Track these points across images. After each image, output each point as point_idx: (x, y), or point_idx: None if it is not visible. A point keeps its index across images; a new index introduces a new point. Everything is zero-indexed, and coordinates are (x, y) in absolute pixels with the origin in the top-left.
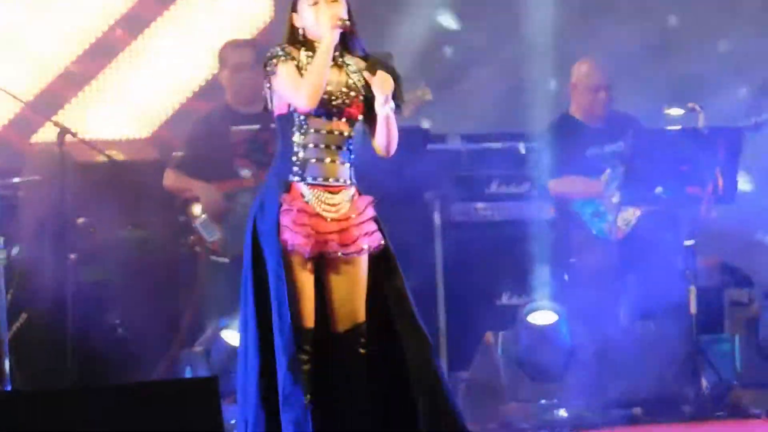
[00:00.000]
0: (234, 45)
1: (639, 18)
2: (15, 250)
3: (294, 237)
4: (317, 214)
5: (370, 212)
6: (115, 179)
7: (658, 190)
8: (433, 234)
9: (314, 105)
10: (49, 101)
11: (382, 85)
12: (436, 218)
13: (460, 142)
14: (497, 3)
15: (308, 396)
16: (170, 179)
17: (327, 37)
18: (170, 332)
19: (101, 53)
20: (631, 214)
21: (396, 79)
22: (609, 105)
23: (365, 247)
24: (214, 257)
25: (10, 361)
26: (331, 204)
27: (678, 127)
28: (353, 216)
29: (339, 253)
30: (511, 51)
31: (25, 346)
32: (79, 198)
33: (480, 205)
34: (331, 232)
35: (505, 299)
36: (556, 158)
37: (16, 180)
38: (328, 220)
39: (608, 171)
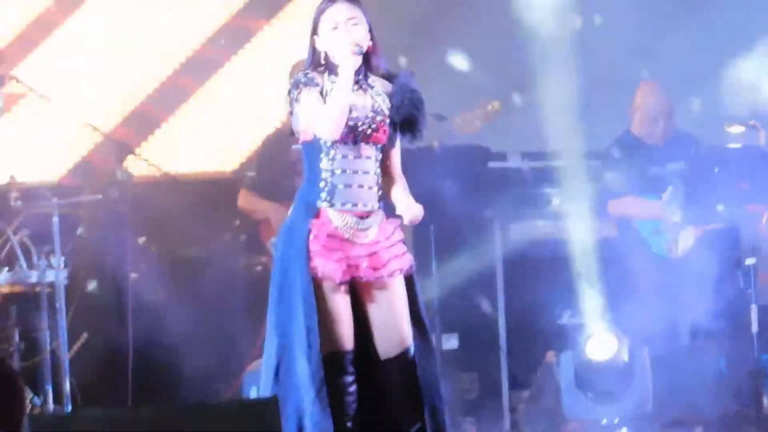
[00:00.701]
0: (298, 64)
1: (702, 34)
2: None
3: (325, 263)
4: (346, 239)
5: (399, 235)
6: (176, 198)
7: (719, 208)
8: (494, 252)
9: (338, 135)
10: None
11: (412, 219)
12: (497, 236)
13: (521, 159)
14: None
15: (349, 418)
16: (243, 199)
17: (346, 66)
18: (232, 351)
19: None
20: (691, 233)
21: (419, 102)
22: (668, 131)
23: (397, 269)
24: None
25: (70, 381)
26: (360, 229)
27: (739, 145)
28: (382, 240)
29: (371, 277)
30: (573, 68)
31: (85, 366)
32: (139, 217)
33: (541, 223)
34: (361, 257)
35: (566, 318)
36: (616, 177)
37: (78, 199)
38: (358, 244)
39: (669, 189)
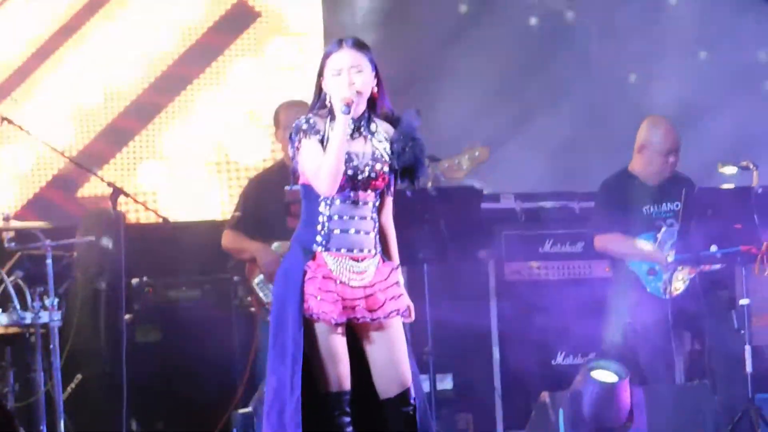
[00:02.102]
0: (287, 105)
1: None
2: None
3: (319, 305)
4: (342, 282)
5: (395, 277)
6: (169, 239)
7: (713, 248)
8: (488, 293)
9: (333, 192)
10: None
11: None
12: (491, 277)
13: (513, 201)
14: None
15: None
16: (228, 239)
17: (338, 123)
18: (226, 392)
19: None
20: (685, 273)
21: (420, 151)
22: (675, 167)
23: (393, 310)
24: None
25: (65, 422)
26: (357, 272)
27: (732, 186)
28: (378, 282)
29: (368, 319)
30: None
31: (79, 407)
32: (132, 258)
33: (534, 263)
34: (357, 299)
35: (560, 359)
36: (608, 214)
37: (71, 241)
38: (354, 287)
39: (663, 229)
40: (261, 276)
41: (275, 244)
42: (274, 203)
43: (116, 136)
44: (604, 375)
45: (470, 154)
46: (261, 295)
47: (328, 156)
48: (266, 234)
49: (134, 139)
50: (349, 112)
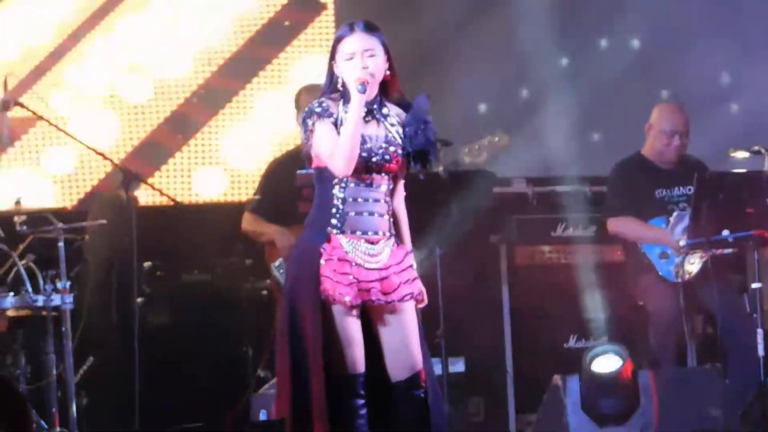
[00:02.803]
0: (308, 89)
1: (706, 61)
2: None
3: (335, 286)
4: (358, 264)
5: (410, 261)
6: (181, 223)
7: (725, 232)
8: (500, 277)
9: (349, 172)
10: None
11: None
12: (503, 261)
13: (525, 185)
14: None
15: None
16: (247, 222)
17: (354, 103)
18: (238, 375)
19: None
20: (697, 257)
21: (431, 134)
22: (683, 150)
23: (407, 294)
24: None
25: (77, 405)
26: (371, 255)
27: (744, 170)
28: (393, 265)
29: (382, 301)
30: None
31: (92, 390)
32: (145, 242)
33: (546, 248)
34: (372, 281)
35: (572, 342)
36: (621, 197)
37: (83, 224)
38: (369, 269)
39: (676, 213)
40: (280, 259)
41: (276, 262)
42: (292, 187)
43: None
44: (605, 362)
45: (491, 139)
46: (279, 278)
47: (344, 136)
48: (285, 218)
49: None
50: (365, 91)
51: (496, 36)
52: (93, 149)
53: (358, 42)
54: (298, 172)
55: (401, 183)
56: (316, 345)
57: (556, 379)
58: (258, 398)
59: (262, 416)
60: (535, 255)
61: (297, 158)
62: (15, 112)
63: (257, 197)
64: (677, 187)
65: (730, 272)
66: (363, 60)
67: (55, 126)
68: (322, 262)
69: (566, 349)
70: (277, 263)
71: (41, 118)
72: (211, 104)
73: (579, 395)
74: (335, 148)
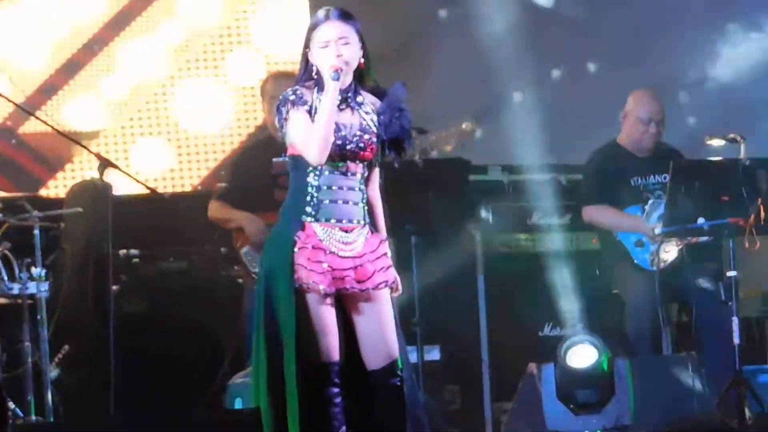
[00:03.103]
0: (273, 77)
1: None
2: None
3: (309, 275)
4: (332, 252)
5: (384, 249)
6: (156, 211)
7: (700, 220)
8: (475, 264)
9: (323, 161)
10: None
11: None
12: (478, 249)
13: (501, 173)
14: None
15: (336, 429)
16: (214, 210)
17: (328, 91)
18: (213, 363)
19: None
20: (673, 245)
21: (406, 122)
22: (659, 137)
23: (382, 281)
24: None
25: (52, 394)
26: (346, 243)
27: (719, 158)
28: (368, 253)
29: (357, 289)
30: (556, 81)
31: (67, 379)
32: (120, 230)
33: (521, 235)
34: (346, 269)
35: (547, 330)
36: (596, 185)
37: (58, 212)
38: (343, 257)
39: (651, 201)
40: (248, 246)
41: (245, 249)
42: (261, 175)
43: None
44: (581, 353)
45: (457, 127)
46: (248, 263)
47: (318, 124)
48: (253, 205)
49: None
50: (338, 79)
51: (472, 23)
52: (66, 135)
53: (332, 30)
54: (274, 159)
55: (376, 171)
56: (289, 333)
57: (532, 367)
58: (233, 386)
59: (237, 404)
60: (511, 243)
61: (266, 146)
62: None
63: (224, 185)
64: (653, 175)
65: (705, 260)
66: (337, 48)
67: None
68: (296, 250)
69: (541, 337)
70: (245, 249)
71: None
72: None
73: (554, 384)
74: (309, 136)
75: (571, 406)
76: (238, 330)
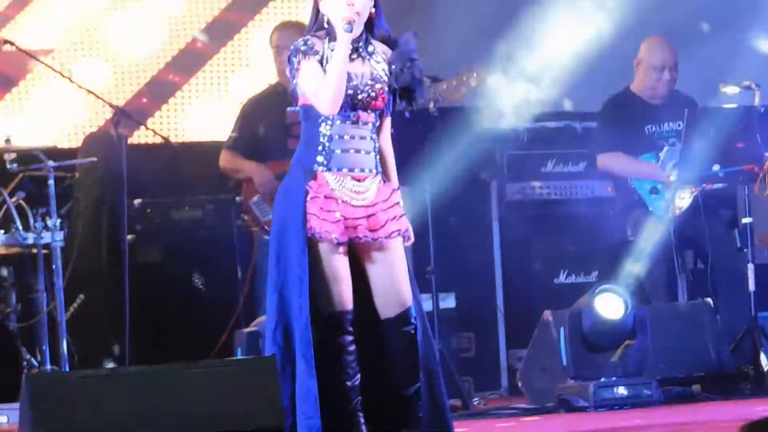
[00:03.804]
0: (281, 27)
1: None
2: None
3: (321, 224)
4: (344, 201)
5: (396, 198)
6: (170, 160)
7: (715, 167)
8: (490, 213)
9: (335, 111)
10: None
11: None
12: (493, 197)
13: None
14: None
15: (349, 377)
16: (225, 160)
17: (340, 42)
18: (227, 312)
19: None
20: (688, 192)
21: (417, 71)
22: (672, 84)
23: (395, 230)
24: (267, 237)
25: (67, 342)
26: (358, 191)
27: (734, 105)
28: (380, 202)
29: (369, 238)
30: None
31: (82, 327)
32: (135, 180)
33: (536, 183)
34: (359, 218)
35: (562, 278)
36: (610, 133)
37: (73, 162)
38: (355, 206)
39: (666, 149)
40: (258, 196)
41: (254, 198)
42: (270, 124)
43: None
44: (610, 302)
45: (468, 75)
46: (258, 214)
47: (330, 74)
48: (263, 155)
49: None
50: (351, 30)
51: None
52: (85, 89)
53: None
54: (288, 109)
55: (388, 120)
56: (303, 282)
57: (547, 314)
58: (237, 335)
59: (238, 353)
60: (526, 191)
61: (273, 95)
62: None
63: (234, 134)
64: (667, 122)
65: (720, 207)
66: None
67: (51, 68)
68: (308, 200)
69: (556, 284)
70: (255, 199)
71: (28, 55)
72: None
73: (570, 330)
74: (321, 87)
75: (587, 352)
76: (248, 279)
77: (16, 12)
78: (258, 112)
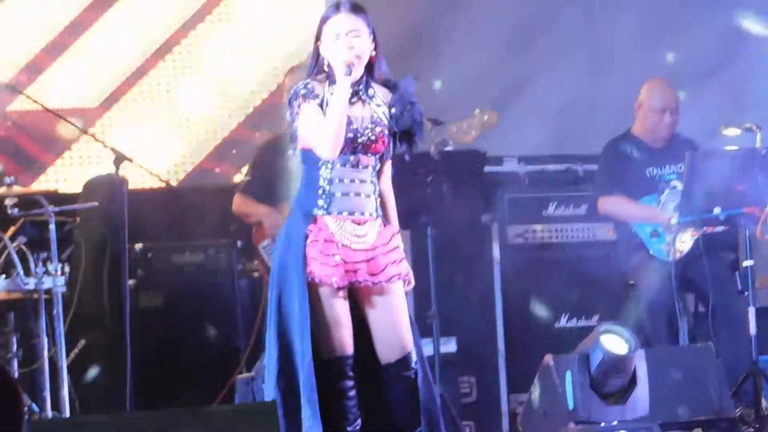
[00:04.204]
0: (291, 71)
1: (698, 35)
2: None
3: (321, 268)
4: (344, 245)
5: (396, 242)
6: (171, 205)
7: (716, 210)
8: (491, 256)
9: (335, 155)
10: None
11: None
12: (494, 241)
13: (517, 164)
14: (557, 21)
15: (349, 423)
16: (237, 203)
17: (340, 85)
18: (230, 357)
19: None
20: (689, 235)
21: (418, 114)
22: (674, 127)
23: (395, 274)
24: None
25: (69, 388)
26: (358, 235)
27: (735, 148)
28: (380, 245)
29: (369, 282)
30: (571, 70)
31: (83, 373)
32: (136, 224)
33: (538, 227)
34: (359, 262)
35: (564, 322)
36: (611, 176)
37: (74, 207)
38: (355, 250)
39: (667, 191)
40: (268, 240)
41: (264, 243)
42: (282, 167)
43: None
44: (615, 342)
45: (479, 117)
46: (266, 258)
47: (330, 118)
48: (275, 199)
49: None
50: (351, 73)
51: (487, 14)
52: (84, 131)
53: (343, 22)
54: (288, 152)
55: (388, 164)
56: (304, 327)
57: (548, 358)
58: (244, 380)
59: (237, 399)
60: (527, 234)
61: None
62: None
63: (247, 178)
64: (668, 165)
65: (721, 250)
66: (348, 40)
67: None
68: (308, 243)
69: (557, 328)
70: (264, 244)
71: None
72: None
73: (571, 375)
74: (321, 131)
75: (588, 396)
76: (256, 324)
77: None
78: (271, 155)
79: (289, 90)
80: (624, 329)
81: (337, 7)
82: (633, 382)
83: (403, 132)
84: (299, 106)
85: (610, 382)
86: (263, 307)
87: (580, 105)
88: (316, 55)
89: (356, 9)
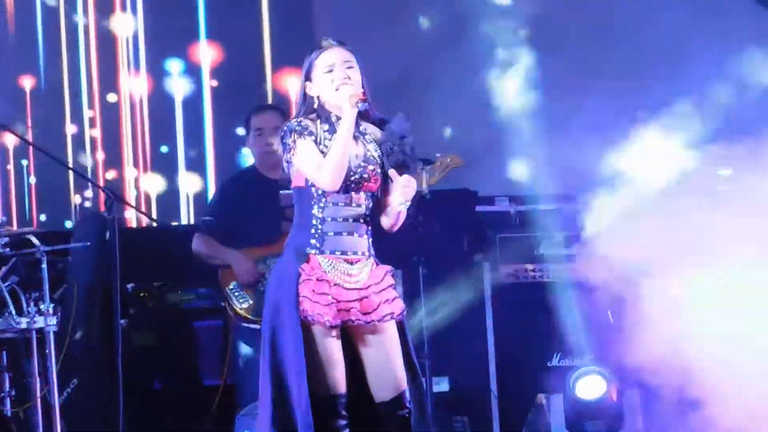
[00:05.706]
0: (258, 109)
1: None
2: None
3: (314, 306)
4: (337, 284)
5: (390, 280)
6: (164, 243)
7: None
8: (483, 296)
9: (337, 186)
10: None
11: (404, 190)
12: (486, 280)
13: (508, 203)
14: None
15: None
16: (198, 244)
17: (346, 118)
18: (224, 396)
19: None
20: None
21: (409, 149)
22: None
23: (388, 313)
24: (245, 324)
25: (61, 428)
26: (350, 274)
27: (727, 188)
28: (373, 284)
29: (362, 322)
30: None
31: (76, 412)
32: (128, 263)
33: (529, 266)
34: (351, 301)
35: (555, 361)
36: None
37: (66, 246)
38: (348, 289)
39: None
40: (234, 283)
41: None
42: (256, 208)
43: None
44: (590, 384)
45: (442, 161)
46: (234, 301)
47: (334, 151)
48: (244, 240)
49: None
50: (369, 107)
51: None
52: (76, 171)
53: (336, 54)
54: (282, 192)
55: (381, 202)
56: (299, 366)
57: (541, 398)
58: (243, 419)
59: None
60: (519, 273)
61: (255, 180)
62: None
63: (210, 218)
64: None
65: None
66: (343, 71)
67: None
68: (300, 282)
69: (550, 367)
70: (231, 286)
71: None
72: None
73: (563, 414)
74: (324, 163)
75: None
76: (228, 366)
77: None
78: (239, 196)
79: (257, 128)
80: (597, 368)
81: (327, 44)
82: (619, 419)
83: (397, 167)
84: (294, 142)
85: (588, 424)
86: (230, 349)
87: (571, 145)
88: (304, 96)
89: (343, 44)
